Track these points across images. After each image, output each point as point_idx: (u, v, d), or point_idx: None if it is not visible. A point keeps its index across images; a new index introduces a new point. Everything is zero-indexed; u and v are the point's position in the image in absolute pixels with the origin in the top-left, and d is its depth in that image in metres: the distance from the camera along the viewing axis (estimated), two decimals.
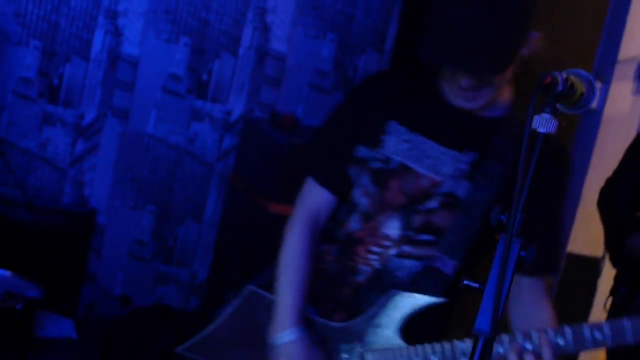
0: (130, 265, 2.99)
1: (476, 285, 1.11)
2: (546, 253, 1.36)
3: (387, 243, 1.35)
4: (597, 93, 1.20)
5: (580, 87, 1.10)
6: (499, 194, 1.31)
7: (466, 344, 1.24)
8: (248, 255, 2.72)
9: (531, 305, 1.42)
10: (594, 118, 2.84)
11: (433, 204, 1.36)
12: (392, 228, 1.35)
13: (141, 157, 2.98)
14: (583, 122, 2.86)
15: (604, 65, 2.83)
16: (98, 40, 2.84)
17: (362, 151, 1.39)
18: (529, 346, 1.26)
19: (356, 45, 3.03)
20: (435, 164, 1.36)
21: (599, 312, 2.50)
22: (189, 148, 3.01)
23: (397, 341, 1.33)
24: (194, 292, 3.08)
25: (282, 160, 2.67)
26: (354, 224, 1.38)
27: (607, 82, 2.89)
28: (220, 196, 3.03)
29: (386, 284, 1.36)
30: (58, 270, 2.94)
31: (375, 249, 1.37)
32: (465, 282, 1.13)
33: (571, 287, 2.70)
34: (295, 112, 2.93)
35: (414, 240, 1.35)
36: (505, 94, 1.42)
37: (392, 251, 1.35)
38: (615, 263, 2.24)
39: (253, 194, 2.77)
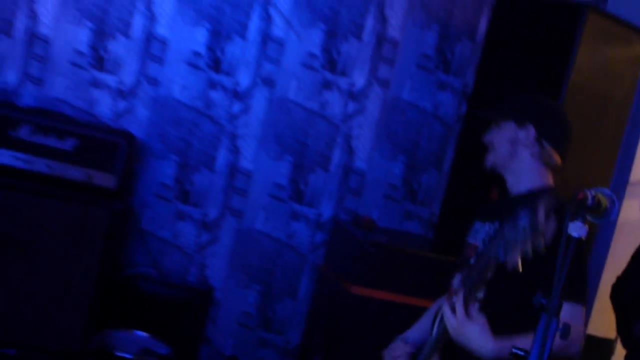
0: (239, 332, 3.43)
1: (522, 353, 1.31)
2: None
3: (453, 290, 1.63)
4: (618, 208, 1.33)
5: (605, 202, 1.24)
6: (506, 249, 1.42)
7: None
8: (332, 325, 3.08)
9: None
10: (609, 226, 3.15)
11: (472, 260, 1.75)
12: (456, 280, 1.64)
13: (251, 248, 3.44)
14: (600, 229, 3.14)
15: (618, 185, 3.17)
16: (221, 156, 3.34)
17: None
18: None
19: (420, 165, 3.47)
20: (476, 235, 1.83)
21: None
22: (288, 242, 3.46)
23: None
24: (287, 355, 3.49)
25: (362, 253, 2.96)
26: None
27: (620, 199, 3.32)
28: (312, 280, 3.45)
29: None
30: (183, 334, 3.32)
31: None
32: (513, 350, 1.33)
33: None
34: (373, 216, 3.35)
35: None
36: (527, 179, 1.78)
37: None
38: (625, 345, 2.41)
39: (338, 278, 3.10)
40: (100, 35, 3.29)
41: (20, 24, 3.27)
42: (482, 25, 3.49)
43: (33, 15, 3.26)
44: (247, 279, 3.48)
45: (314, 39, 3.38)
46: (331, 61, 3.39)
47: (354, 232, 3.13)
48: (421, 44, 3.47)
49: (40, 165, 3.08)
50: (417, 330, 2.01)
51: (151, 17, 3.31)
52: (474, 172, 2.18)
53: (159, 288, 3.42)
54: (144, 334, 3.18)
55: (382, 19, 3.40)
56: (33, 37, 3.28)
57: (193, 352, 3.37)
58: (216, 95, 3.35)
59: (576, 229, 1.21)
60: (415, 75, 3.47)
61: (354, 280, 2.93)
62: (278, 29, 3.36)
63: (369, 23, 3.40)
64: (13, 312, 3.06)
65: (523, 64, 3.08)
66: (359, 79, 3.41)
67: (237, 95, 3.36)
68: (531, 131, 1.79)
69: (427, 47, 3.47)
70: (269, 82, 3.38)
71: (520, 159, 1.82)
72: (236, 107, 3.37)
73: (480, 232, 1.84)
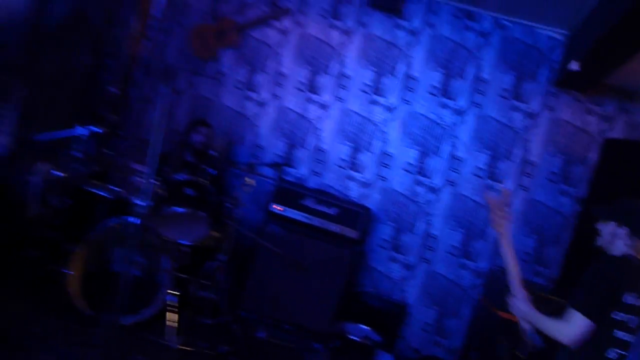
0: (422, 335, 4.78)
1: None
2: None
3: None
4: None
5: None
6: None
7: None
8: (485, 335, 4.07)
9: None
10: None
11: None
12: None
13: (433, 282, 4.76)
14: None
15: None
16: (420, 226, 4.89)
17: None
18: None
19: (546, 241, 4.81)
20: None
21: None
22: (457, 282, 4.74)
23: None
24: (452, 353, 4.70)
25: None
26: None
27: None
28: (472, 306, 4.68)
29: None
30: (388, 331, 4.48)
31: None
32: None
33: None
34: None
35: None
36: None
37: None
38: None
39: (490, 306, 4.01)
40: (355, 150, 5.22)
41: (311, 141, 5.32)
42: (593, 155, 4.66)
43: (318, 137, 5.30)
44: (430, 301, 4.86)
45: (482, 159, 4.95)
46: (492, 173, 4.93)
47: (502, 278, 3.87)
48: (550, 165, 4.80)
49: (315, 221, 4.75)
50: None
51: (384, 140, 5.17)
52: (587, 248, 2.58)
53: (375, 301, 4.74)
54: (365, 327, 4.51)
55: (525, 148, 4.89)
56: (318, 150, 5.27)
57: (393, 343, 4.65)
58: (419, 189, 4.99)
59: None
60: (546, 185, 4.82)
61: (499, 307, 3.73)
62: (460, 151, 5.02)
63: (517, 150, 4.91)
64: (292, 305, 4.48)
65: (622, 178, 4.07)
66: (509, 185, 4.86)
67: (432, 189, 4.99)
68: (627, 230, 2.17)
69: (554, 167, 4.80)
70: (452, 183, 4.96)
71: (617, 247, 2.22)
72: (430, 196, 5.02)
73: None
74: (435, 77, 5.04)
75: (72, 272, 3.80)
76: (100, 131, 4.35)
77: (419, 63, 5.08)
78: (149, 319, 3.89)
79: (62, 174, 4.28)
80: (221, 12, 5.55)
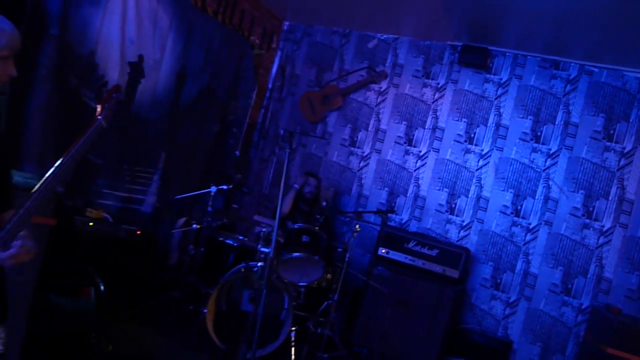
0: None
1: None
2: None
3: None
4: None
5: None
6: None
7: None
8: None
9: None
10: None
11: None
12: None
13: (536, 319, 4.86)
14: None
15: None
16: (519, 265, 5.14)
17: None
18: None
19: None
20: None
21: None
22: (559, 319, 4.80)
23: None
24: None
25: (614, 329, 3.84)
26: None
27: None
28: (576, 343, 4.74)
29: None
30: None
31: None
32: None
33: None
34: (619, 306, 4.46)
35: None
36: None
37: None
38: None
39: (596, 342, 4.04)
40: (452, 195, 5.54)
41: (411, 189, 5.72)
42: None
43: (417, 185, 5.70)
44: (533, 338, 4.97)
45: (577, 199, 5.10)
46: (588, 212, 5.01)
47: (607, 315, 4.24)
48: None
49: (418, 262, 5.06)
50: None
51: (480, 186, 5.46)
52: None
53: (480, 337, 4.96)
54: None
55: (622, 187, 4.96)
56: (417, 197, 5.68)
57: None
58: (516, 230, 5.19)
59: None
60: None
61: (608, 344, 3.94)
62: (554, 192, 5.21)
63: (613, 189, 4.97)
64: (400, 341, 4.75)
65: None
66: (607, 224, 4.91)
67: (529, 229, 5.19)
68: None
69: None
70: (549, 223, 5.12)
71: None
72: (528, 236, 5.18)
73: None
74: (525, 124, 5.29)
75: (207, 311, 4.36)
76: (227, 188, 5.02)
77: (508, 112, 5.36)
78: (273, 352, 4.33)
79: (196, 226, 4.97)
80: (325, 80, 6.23)
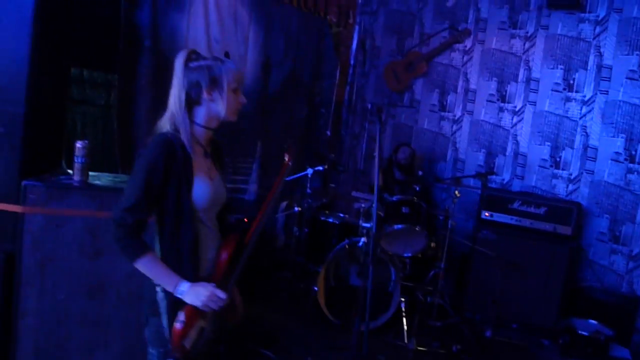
0: None
1: None
2: None
3: None
4: None
5: None
6: None
7: None
8: None
9: None
10: None
11: None
12: None
13: None
14: None
15: None
16: (639, 214, 4.88)
17: None
18: None
19: None
20: None
21: None
22: None
23: None
24: None
25: None
26: None
27: None
28: None
29: None
30: (619, 325, 4.24)
31: None
32: None
33: None
34: None
35: None
36: None
37: None
38: None
39: None
40: (555, 148, 5.12)
41: (510, 148, 5.37)
42: None
43: (516, 142, 5.32)
44: None
45: None
46: None
47: None
48: None
49: (525, 222, 4.74)
50: None
51: (586, 135, 4.99)
52: None
53: (602, 295, 4.54)
54: (594, 321, 4.35)
55: None
56: (517, 155, 5.31)
57: (627, 337, 4.42)
58: (632, 177, 4.69)
59: None
60: None
61: None
62: None
63: None
64: (515, 304, 4.53)
65: None
66: None
67: None
68: None
69: None
70: None
71: None
72: None
73: None
74: (631, 61, 4.74)
75: (317, 288, 4.38)
76: (322, 169, 4.98)
77: (610, 51, 4.83)
78: (386, 323, 4.27)
79: (298, 209, 4.99)
80: (407, 47, 5.97)
